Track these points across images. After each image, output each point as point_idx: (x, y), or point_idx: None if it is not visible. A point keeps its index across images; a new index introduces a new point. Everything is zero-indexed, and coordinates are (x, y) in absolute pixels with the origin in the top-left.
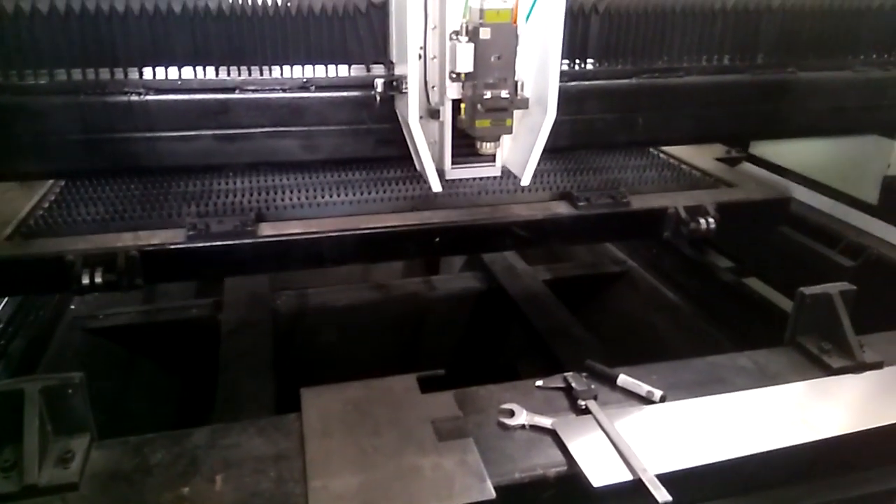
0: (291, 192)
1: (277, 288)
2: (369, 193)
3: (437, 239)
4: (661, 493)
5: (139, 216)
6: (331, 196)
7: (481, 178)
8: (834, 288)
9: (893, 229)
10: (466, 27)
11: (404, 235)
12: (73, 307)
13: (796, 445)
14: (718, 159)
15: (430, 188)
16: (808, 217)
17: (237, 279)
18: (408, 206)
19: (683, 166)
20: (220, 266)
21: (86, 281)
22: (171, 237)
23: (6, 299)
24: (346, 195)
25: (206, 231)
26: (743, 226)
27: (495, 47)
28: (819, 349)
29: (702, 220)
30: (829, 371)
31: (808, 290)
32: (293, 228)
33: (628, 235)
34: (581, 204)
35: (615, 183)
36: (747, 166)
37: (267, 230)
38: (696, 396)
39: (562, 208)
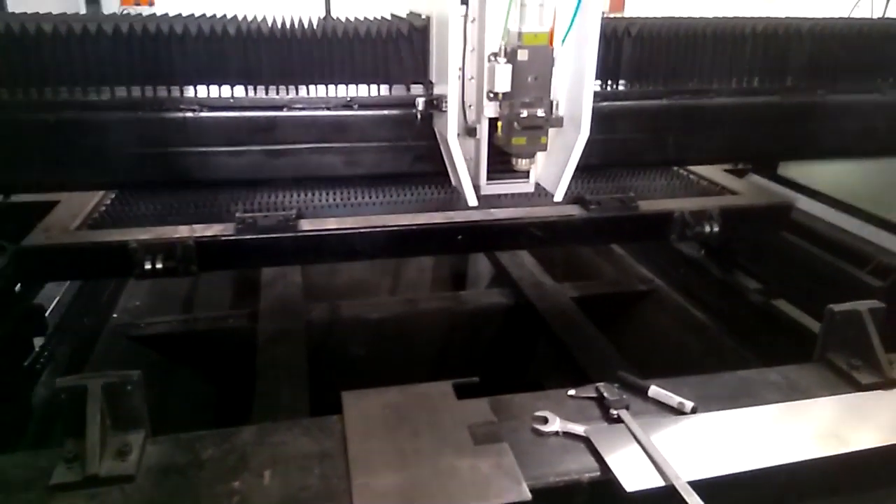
0: (328, 193)
1: (311, 300)
2: (399, 196)
3: (460, 237)
4: (693, 499)
5: (192, 212)
6: (364, 198)
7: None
8: (863, 305)
9: None
10: (505, 49)
11: (430, 232)
12: (115, 315)
13: (826, 458)
14: (726, 170)
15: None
16: (837, 238)
17: (272, 291)
18: (433, 206)
19: (692, 176)
20: (265, 256)
21: (147, 267)
22: (222, 230)
23: (52, 307)
24: (378, 197)
25: (254, 225)
26: (746, 230)
27: (532, 68)
28: (848, 365)
29: (706, 224)
30: (859, 387)
31: (838, 307)
32: (329, 224)
33: (636, 238)
34: (592, 207)
35: (626, 189)
36: (753, 177)
37: (306, 225)
38: (726, 409)
39: (574, 211)
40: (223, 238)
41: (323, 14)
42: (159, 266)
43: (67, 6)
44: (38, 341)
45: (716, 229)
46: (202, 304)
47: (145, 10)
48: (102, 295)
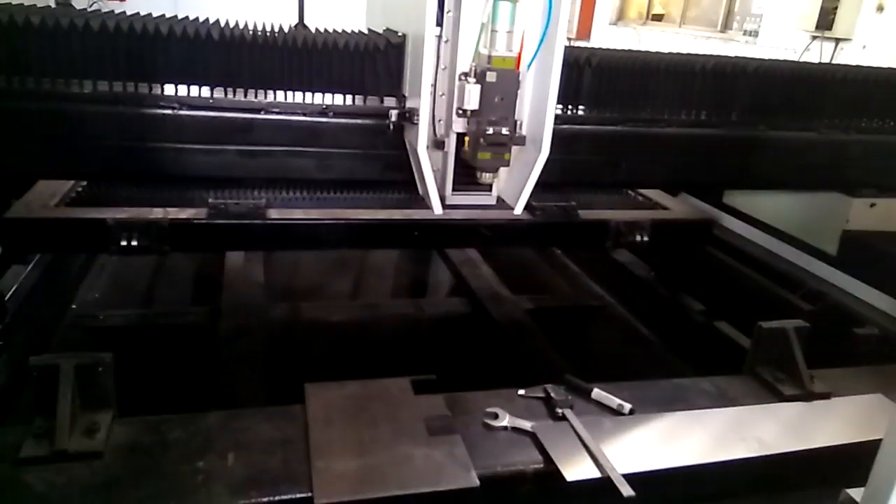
0: (298, 191)
1: (272, 300)
2: (364, 195)
3: (416, 233)
4: (625, 489)
5: (167, 197)
6: (331, 194)
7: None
8: (789, 324)
9: (850, 279)
10: (475, 70)
11: (389, 227)
12: (74, 306)
13: (748, 458)
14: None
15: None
16: (773, 265)
17: (233, 289)
18: (393, 205)
19: (630, 192)
20: (234, 240)
21: (123, 243)
22: (194, 214)
23: (9, 295)
24: (343, 193)
25: (225, 211)
26: (673, 241)
27: (499, 89)
28: (774, 378)
29: (637, 234)
30: (782, 398)
31: (766, 325)
32: (296, 214)
33: (576, 243)
34: (537, 213)
35: (569, 200)
36: (684, 196)
37: (274, 214)
38: (661, 412)
39: (521, 215)
40: (195, 221)
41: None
42: (134, 243)
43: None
44: None
45: (646, 239)
46: (162, 299)
47: (116, 6)
48: (62, 285)
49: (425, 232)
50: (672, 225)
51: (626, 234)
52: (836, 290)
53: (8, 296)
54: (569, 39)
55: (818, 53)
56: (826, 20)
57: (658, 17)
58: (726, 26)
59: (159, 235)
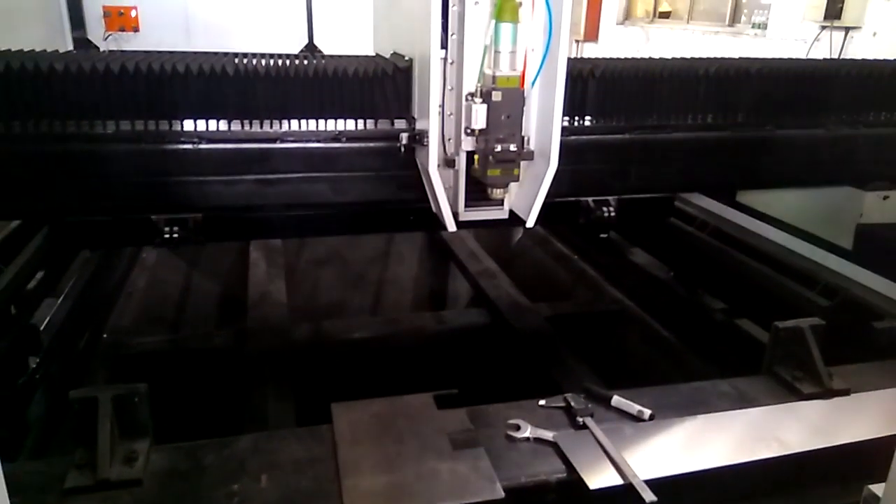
0: None
1: (295, 320)
2: None
3: (412, 217)
4: (647, 494)
5: None
6: None
7: None
8: (805, 322)
9: (865, 272)
10: (481, 90)
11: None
12: (105, 336)
13: (768, 459)
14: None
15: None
16: (790, 261)
17: (257, 311)
18: None
19: None
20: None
21: (166, 236)
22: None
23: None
24: None
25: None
26: (637, 216)
27: (505, 107)
28: (792, 377)
29: (605, 210)
30: (801, 396)
31: (783, 324)
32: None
33: (552, 220)
34: None
35: None
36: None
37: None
38: (681, 416)
39: None
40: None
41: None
42: (175, 235)
43: (53, 33)
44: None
45: (612, 214)
46: (189, 324)
47: (131, 36)
48: (93, 315)
49: (420, 216)
50: (635, 201)
51: (595, 209)
52: (854, 283)
53: (42, 326)
54: (577, 41)
55: (828, 43)
56: (834, 9)
57: (665, 15)
58: (734, 20)
59: (195, 228)
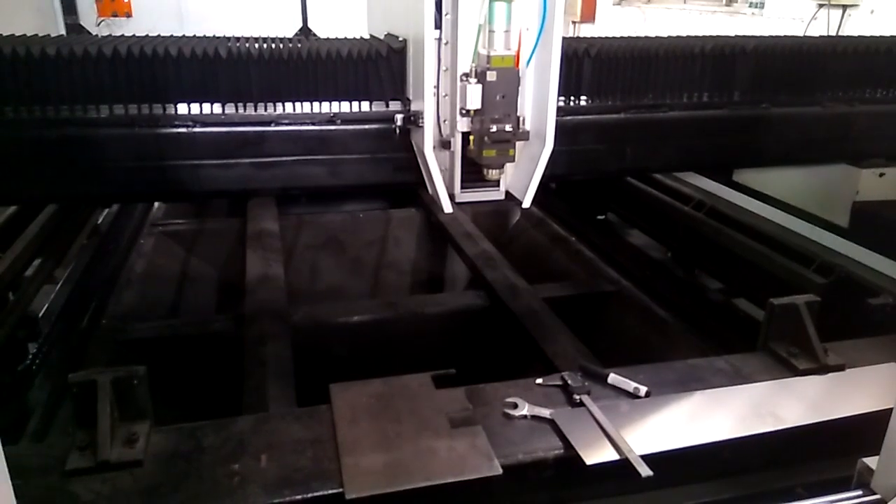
0: None
1: (294, 304)
2: None
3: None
4: (643, 469)
5: None
6: None
7: None
8: (800, 299)
9: (861, 250)
10: (475, 70)
11: None
12: (104, 322)
13: (764, 434)
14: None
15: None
16: (787, 240)
17: (256, 296)
18: None
19: None
20: None
21: None
22: None
23: (42, 313)
24: None
25: None
26: None
27: (500, 88)
28: (788, 353)
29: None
30: (796, 372)
31: (778, 301)
32: None
33: None
34: None
35: None
36: None
37: None
38: (677, 392)
39: None
40: None
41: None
42: None
43: (44, 18)
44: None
45: None
46: (188, 310)
47: (123, 22)
48: (91, 301)
49: None
50: None
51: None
52: (850, 261)
53: (41, 313)
54: (573, 22)
55: (825, 22)
56: None
57: None
58: None
59: None
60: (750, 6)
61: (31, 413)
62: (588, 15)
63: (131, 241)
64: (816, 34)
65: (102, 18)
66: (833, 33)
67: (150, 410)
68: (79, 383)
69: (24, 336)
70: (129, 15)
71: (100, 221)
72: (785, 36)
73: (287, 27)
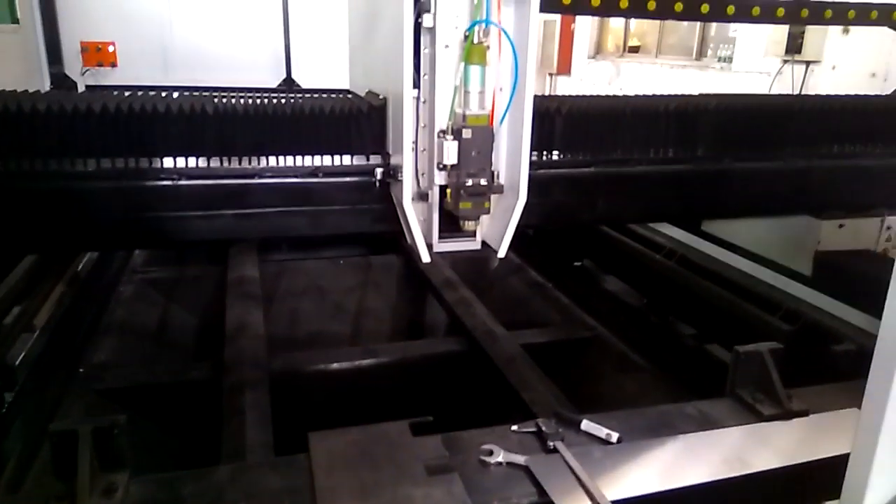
0: None
1: (273, 351)
2: None
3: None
4: None
5: None
6: None
7: None
8: (764, 346)
9: (824, 298)
10: (452, 128)
11: None
12: (81, 370)
13: (731, 478)
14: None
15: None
16: (754, 288)
17: (235, 343)
18: None
19: None
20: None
21: None
22: None
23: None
24: None
25: None
26: None
27: (475, 144)
28: (753, 399)
29: None
30: (761, 418)
31: (742, 348)
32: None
33: None
34: None
35: None
36: None
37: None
38: (648, 439)
39: None
40: None
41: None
42: None
43: (30, 67)
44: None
45: None
46: (167, 357)
47: (108, 71)
48: (69, 349)
49: None
50: None
51: None
52: (814, 308)
53: (18, 361)
54: (550, 75)
55: (790, 76)
56: (795, 44)
57: (635, 49)
58: (701, 54)
59: None
60: (719, 61)
61: (6, 463)
62: (564, 68)
63: (111, 288)
64: (782, 88)
65: (87, 68)
66: (797, 87)
67: (128, 460)
68: (59, 433)
69: (1, 385)
70: (114, 65)
71: (80, 268)
72: (745, 94)
73: (271, 77)
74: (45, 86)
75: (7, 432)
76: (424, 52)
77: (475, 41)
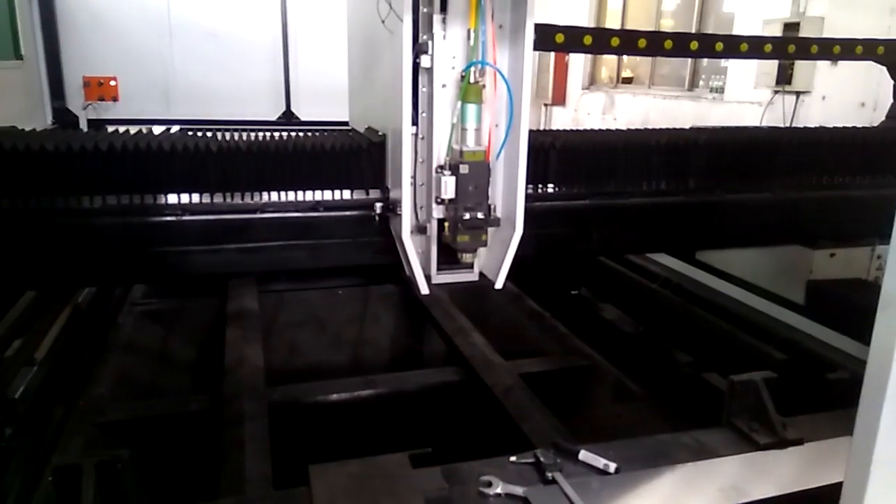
0: None
1: (273, 383)
2: None
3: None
4: None
5: None
6: None
7: None
8: (758, 375)
9: (817, 326)
10: (449, 163)
11: None
12: (80, 403)
13: None
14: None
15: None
16: (748, 316)
17: (234, 376)
18: None
19: None
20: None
21: None
22: None
23: (18, 394)
24: None
25: None
26: None
27: (472, 179)
28: (749, 428)
29: None
30: (757, 447)
31: (737, 378)
32: None
33: None
34: None
35: None
36: None
37: None
38: (645, 469)
39: None
40: None
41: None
42: None
43: (33, 102)
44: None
45: None
46: (166, 390)
47: (110, 106)
48: (69, 382)
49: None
50: None
51: None
52: (807, 337)
53: (18, 394)
54: (545, 105)
55: (781, 106)
56: (785, 75)
57: (628, 80)
58: (693, 84)
59: None
60: (711, 91)
61: (6, 498)
62: (559, 98)
63: (110, 320)
64: (773, 118)
65: (89, 102)
66: (788, 117)
67: (132, 494)
68: (63, 468)
69: (1, 419)
70: (115, 99)
71: (79, 300)
72: (735, 127)
73: (270, 110)
74: (48, 120)
75: (7, 466)
76: (422, 90)
77: (472, 81)
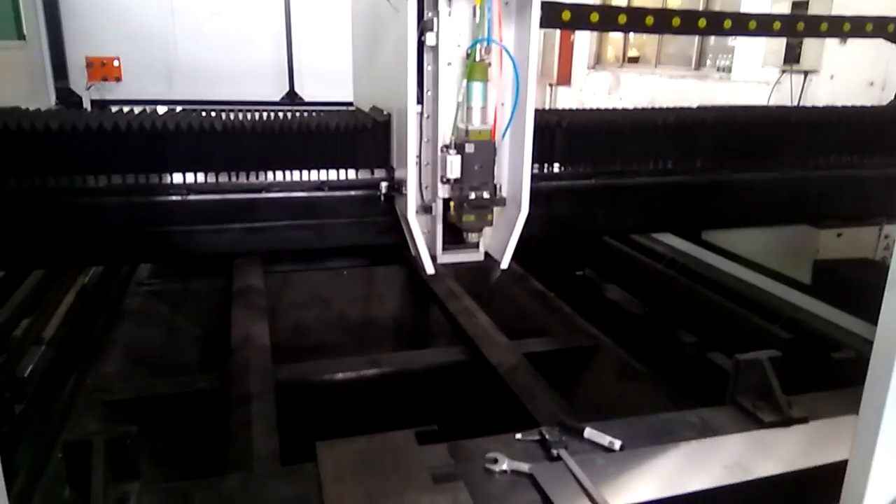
0: None
1: (279, 362)
2: None
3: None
4: None
5: None
6: None
7: None
8: (764, 354)
9: (823, 306)
10: (455, 142)
11: None
12: (89, 381)
13: (732, 484)
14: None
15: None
16: (753, 296)
17: (241, 354)
18: None
19: None
20: None
21: None
22: None
23: (27, 373)
24: None
25: None
26: None
27: (478, 158)
28: (754, 406)
29: None
30: (762, 425)
31: (742, 357)
32: None
33: None
34: None
35: None
36: None
37: None
38: (650, 446)
39: None
40: None
41: (287, 89)
42: None
43: (35, 82)
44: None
45: None
46: (173, 369)
47: (112, 86)
48: (77, 361)
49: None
50: None
51: None
52: (813, 316)
53: (27, 373)
54: (550, 85)
55: (789, 86)
56: (793, 54)
57: (634, 60)
58: (700, 64)
59: None
60: (718, 70)
61: (16, 474)
62: (564, 78)
63: (117, 300)
64: (781, 97)
65: (92, 83)
66: (796, 96)
67: (140, 470)
68: (73, 444)
69: (10, 398)
70: (118, 79)
71: (86, 281)
72: (742, 106)
73: (274, 90)
74: (51, 100)
75: (17, 444)
76: (427, 69)
77: (477, 59)
